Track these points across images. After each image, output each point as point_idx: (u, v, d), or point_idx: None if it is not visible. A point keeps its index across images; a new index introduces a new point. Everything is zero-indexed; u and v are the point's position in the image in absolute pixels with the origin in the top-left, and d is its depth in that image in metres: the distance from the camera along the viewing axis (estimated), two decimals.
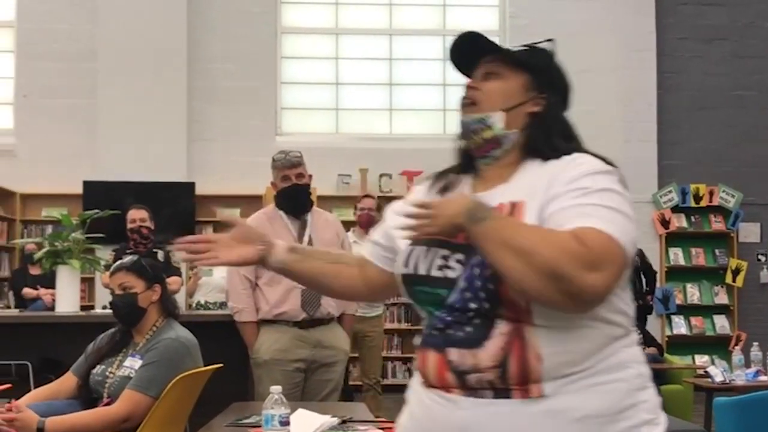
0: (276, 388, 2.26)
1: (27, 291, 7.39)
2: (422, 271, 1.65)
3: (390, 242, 1.84)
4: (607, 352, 1.58)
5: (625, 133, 9.50)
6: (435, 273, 1.63)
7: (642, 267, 8.04)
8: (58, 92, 9.32)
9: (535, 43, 1.78)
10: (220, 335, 4.16)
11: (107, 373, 3.41)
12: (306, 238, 4.08)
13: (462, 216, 1.54)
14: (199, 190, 9.10)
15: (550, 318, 1.53)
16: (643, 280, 8.12)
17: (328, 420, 2.60)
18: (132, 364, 3.37)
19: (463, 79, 1.81)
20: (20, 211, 9.37)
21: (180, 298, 7.44)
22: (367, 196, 6.56)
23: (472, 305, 1.57)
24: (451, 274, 1.61)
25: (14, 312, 6.26)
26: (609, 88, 9.56)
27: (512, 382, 1.54)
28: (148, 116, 8.89)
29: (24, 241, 7.70)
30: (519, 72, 1.73)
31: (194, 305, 7.13)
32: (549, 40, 1.79)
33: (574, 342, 1.55)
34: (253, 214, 4.33)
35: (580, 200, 1.54)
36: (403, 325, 9.31)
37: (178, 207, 8.79)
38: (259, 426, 2.37)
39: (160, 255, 5.89)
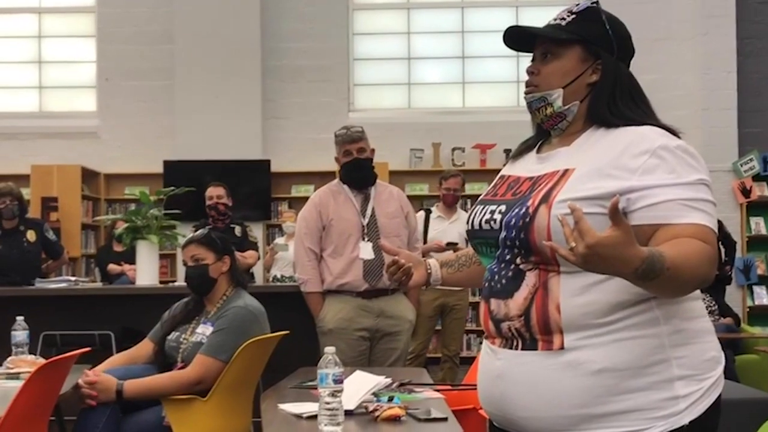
0: (330, 349, 2.35)
1: (112, 267, 7.68)
2: (476, 225, 1.80)
3: None
4: (638, 308, 1.61)
5: (703, 102, 9.29)
6: (485, 226, 1.77)
7: (720, 237, 7.89)
8: (138, 75, 9.60)
9: (580, 8, 1.81)
10: (290, 305, 4.30)
11: (181, 340, 3.59)
12: (369, 211, 4.17)
13: (636, 274, 1.47)
14: (275, 167, 9.28)
15: (574, 267, 1.55)
16: (722, 250, 7.97)
17: (383, 381, 2.69)
18: (204, 330, 3.55)
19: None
20: (104, 190, 9.72)
21: (257, 272, 7.66)
22: (453, 175, 6.61)
23: (508, 255, 1.70)
24: (495, 225, 1.74)
25: (98, 285, 6.55)
26: (687, 55, 9.37)
27: (535, 330, 1.64)
28: (224, 96, 9.09)
29: (106, 218, 8.01)
30: (572, 46, 1.78)
31: (271, 279, 7.32)
32: (593, 2, 1.82)
33: (597, 294, 1.60)
34: (319, 188, 4.45)
35: (682, 194, 1.60)
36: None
37: (254, 184, 9.01)
38: None
39: (238, 230, 6.09)
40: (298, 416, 2.54)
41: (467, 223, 1.86)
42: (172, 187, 5.41)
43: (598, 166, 1.65)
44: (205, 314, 3.66)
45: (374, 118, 9.04)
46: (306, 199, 4.57)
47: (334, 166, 6.31)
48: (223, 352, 3.40)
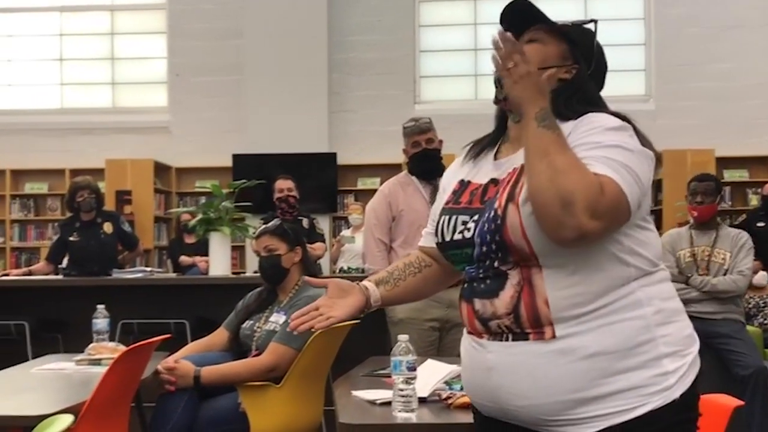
0: (403, 337, 2.40)
1: (183, 258, 7.86)
2: (447, 237, 1.83)
3: (434, 222, 1.96)
4: (620, 292, 1.66)
5: None
6: (456, 236, 1.80)
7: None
8: (208, 70, 9.79)
9: (580, 22, 1.90)
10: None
11: (255, 328, 3.68)
12: None
13: (536, 108, 1.63)
14: (341, 160, 9.37)
15: (555, 258, 1.64)
16: None
17: (455, 369, 2.72)
18: (277, 319, 3.63)
19: None
20: (175, 183, 9.95)
21: (324, 264, 7.75)
22: None
23: (489, 257, 1.72)
24: (467, 234, 1.77)
25: (172, 275, 6.72)
26: (760, 43, 9.17)
27: (526, 325, 1.67)
28: (292, 90, 9.21)
29: (178, 211, 8.20)
30: (559, 41, 1.85)
31: (338, 270, 7.39)
32: (593, 20, 1.90)
33: (581, 285, 1.64)
34: (388, 180, 4.49)
35: (592, 153, 1.62)
36: None
37: (320, 177, 9.11)
38: (392, 376, 2.51)
39: (305, 222, 6.17)
40: (372, 402, 2.58)
41: (436, 234, 1.87)
42: (243, 180, 5.51)
43: None
44: (277, 303, 3.74)
45: (440, 109, 9.06)
46: (372, 191, 4.62)
47: (400, 159, 6.35)
48: (296, 340, 3.46)
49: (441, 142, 4.28)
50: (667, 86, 9.63)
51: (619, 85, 9.54)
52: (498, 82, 1.81)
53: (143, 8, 10.27)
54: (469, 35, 9.80)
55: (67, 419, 1.61)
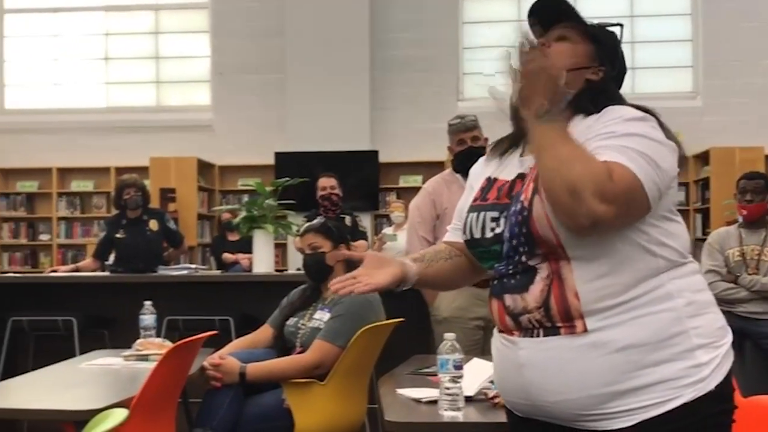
0: (450, 335, 2.39)
1: (226, 256, 7.92)
2: (477, 234, 1.83)
3: (461, 219, 1.96)
4: (650, 284, 1.66)
5: None
6: (487, 234, 1.80)
7: None
8: (251, 68, 9.84)
9: (605, 24, 1.91)
10: (403, 293, 4.33)
11: (299, 325, 3.69)
12: None
13: (539, 107, 1.67)
14: (383, 157, 9.37)
15: (582, 249, 1.65)
16: None
17: None
18: (321, 316, 3.64)
19: None
20: (218, 181, 10.03)
21: None
22: None
23: (520, 249, 1.73)
24: (498, 230, 1.78)
25: (217, 272, 6.77)
26: None
27: (556, 319, 1.68)
28: (334, 88, 9.23)
29: (222, 209, 8.26)
30: (588, 41, 1.86)
31: None
32: (619, 24, 1.91)
33: (610, 277, 1.65)
34: (432, 178, 4.48)
35: (607, 142, 1.64)
36: None
37: (362, 175, 9.12)
38: (437, 375, 2.51)
39: (348, 220, 6.17)
40: (418, 401, 2.58)
41: (464, 232, 1.88)
42: (287, 178, 5.53)
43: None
44: (321, 301, 3.75)
45: (484, 107, 8.91)
46: (413, 189, 4.61)
47: (442, 156, 6.35)
48: (340, 337, 3.48)
49: (486, 139, 4.25)
50: (714, 83, 9.48)
51: (666, 81, 9.42)
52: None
53: (187, 7, 10.36)
54: (513, 31, 9.68)
55: (122, 413, 1.63)
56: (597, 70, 1.85)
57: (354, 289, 1.88)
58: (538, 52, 1.70)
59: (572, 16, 1.86)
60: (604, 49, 1.86)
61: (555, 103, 1.67)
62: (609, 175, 1.57)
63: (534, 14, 1.90)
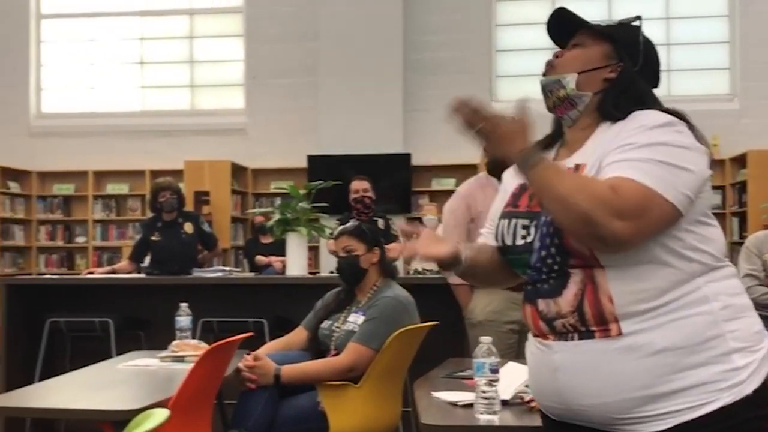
0: (486, 339, 2.38)
1: (259, 258, 7.96)
2: (509, 241, 1.85)
3: (494, 224, 1.98)
4: (686, 288, 1.66)
5: None
6: (518, 242, 1.82)
7: None
8: (284, 72, 9.89)
9: (624, 20, 1.92)
10: (436, 297, 4.34)
11: (333, 328, 3.70)
12: None
13: (517, 157, 1.68)
14: (415, 160, 9.36)
15: (616, 259, 1.65)
16: None
17: None
18: (355, 319, 3.64)
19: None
20: (251, 184, 10.09)
21: (398, 265, 7.75)
22: None
23: (549, 260, 1.74)
24: (528, 239, 1.80)
25: (250, 275, 6.81)
26: None
27: (591, 323, 1.68)
28: (366, 90, 9.24)
29: (257, 211, 8.31)
30: (602, 42, 1.87)
31: (411, 272, 7.37)
32: (637, 17, 1.91)
33: (644, 281, 1.65)
34: (465, 181, 4.46)
35: (624, 155, 1.65)
36: None
37: (395, 178, 9.12)
38: (472, 378, 2.50)
39: (380, 223, 6.17)
40: (453, 404, 2.57)
41: (496, 238, 1.90)
42: (320, 181, 5.55)
43: (604, 153, 1.71)
44: (356, 304, 3.76)
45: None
46: (447, 192, 4.60)
47: (475, 159, 6.28)
48: (375, 340, 3.48)
49: None
50: (752, 85, 9.35)
51: (703, 84, 9.33)
52: (545, 90, 1.89)
53: (221, 12, 10.44)
54: (547, 33, 9.66)
55: (164, 413, 1.64)
56: (613, 69, 1.84)
57: (419, 251, 1.91)
58: (473, 113, 1.72)
59: (581, 24, 1.90)
60: (622, 46, 1.86)
61: (528, 143, 1.69)
62: (614, 192, 1.58)
63: (550, 30, 1.97)
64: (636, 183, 1.59)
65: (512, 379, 2.59)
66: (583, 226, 1.59)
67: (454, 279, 4.26)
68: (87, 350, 5.06)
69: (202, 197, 9.36)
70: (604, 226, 1.57)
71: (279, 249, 6.35)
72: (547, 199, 1.66)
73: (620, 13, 1.95)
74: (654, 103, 1.81)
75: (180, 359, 3.55)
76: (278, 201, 9.13)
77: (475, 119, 1.71)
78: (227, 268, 6.20)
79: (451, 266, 1.96)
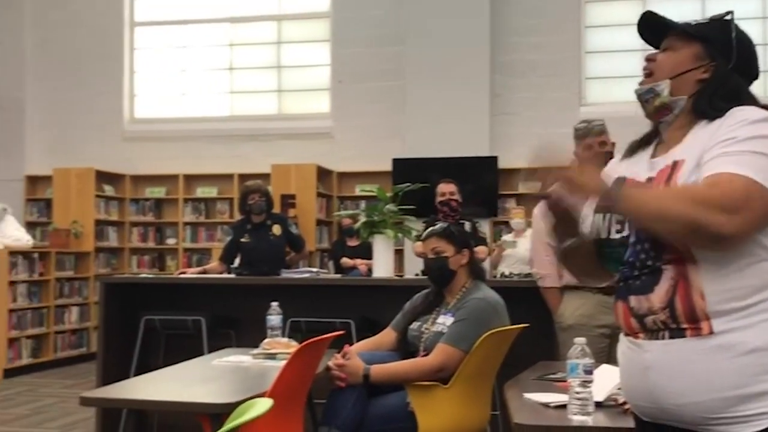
0: (580, 340, 2.36)
1: (345, 260, 8.04)
2: (603, 234, 1.87)
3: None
4: None
5: None
6: (614, 235, 1.85)
7: None
8: (370, 76, 9.96)
9: (715, 17, 1.90)
10: (526, 300, 4.30)
11: (422, 329, 3.71)
12: None
13: (602, 199, 1.73)
14: (502, 163, 9.30)
15: (711, 252, 1.64)
16: None
17: None
18: (444, 321, 3.64)
19: None
20: (337, 187, 10.18)
21: (485, 268, 7.71)
22: None
23: (642, 256, 1.75)
24: (624, 232, 1.82)
25: (337, 276, 6.88)
26: None
27: (682, 320, 1.67)
28: (453, 93, 9.23)
29: (343, 214, 8.39)
30: (692, 43, 1.86)
31: (498, 276, 7.33)
32: (729, 12, 1.89)
33: (738, 279, 1.64)
34: (554, 184, 4.41)
35: (725, 149, 1.64)
36: None
37: (481, 181, 9.08)
38: (564, 381, 2.48)
39: (467, 226, 6.15)
40: (546, 405, 2.56)
41: (591, 231, 1.92)
42: (407, 184, 5.56)
43: (702, 150, 1.70)
44: (444, 305, 3.76)
45: (607, 112, 8.75)
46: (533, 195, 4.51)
47: (565, 162, 6.17)
48: (464, 341, 3.48)
49: (614, 144, 4.17)
50: None
51: None
52: (641, 99, 1.90)
53: (308, 17, 10.58)
54: (637, 35, 9.48)
55: (267, 402, 1.68)
56: (706, 69, 1.83)
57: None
58: (544, 174, 1.82)
59: (670, 26, 1.90)
60: (713, 44, 1.84)
61: (598, 179, 1.75)
62: (713, 189, 1.59)
63: (642, 36, 1.97)
64: (735, 175, 1.60)
65: (605, 381, 2.56)
66: (691, 232, 1.60)
67: (543, 282, 4.23)
68: (180, 347, 5.19)
69: (288, 200, 9.49)
70: (712, 225, 1.57)
71: (365, 252, 6.40)
72: (646, 222, 1.68)
73: (714, 10, 1.90)
74: (750, 99, 1.80)
75: (272, 356, 3.62)
76: (363, 204, 9.18)
77: (550, 180, 1.80)
78: (314, 270, 6.27)
79: (569, 232, 1.98)
